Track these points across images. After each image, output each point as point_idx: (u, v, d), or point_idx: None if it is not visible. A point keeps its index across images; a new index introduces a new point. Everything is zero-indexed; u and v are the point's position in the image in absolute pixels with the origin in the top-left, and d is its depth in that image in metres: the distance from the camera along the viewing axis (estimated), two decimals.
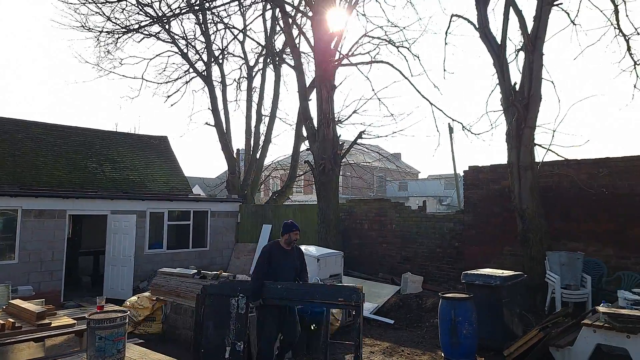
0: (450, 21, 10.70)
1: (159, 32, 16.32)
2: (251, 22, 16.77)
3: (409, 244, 11.48)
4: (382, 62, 12.57)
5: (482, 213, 10.33)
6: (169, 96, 17.05)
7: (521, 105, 8.78)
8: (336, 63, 11.79)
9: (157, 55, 16.78)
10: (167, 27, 15.69)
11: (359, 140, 12.80)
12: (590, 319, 5.50)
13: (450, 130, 19.60)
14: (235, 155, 17.10)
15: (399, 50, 12.90)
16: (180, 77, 17.07)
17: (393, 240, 11.79)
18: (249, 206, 14.86)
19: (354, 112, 13.98)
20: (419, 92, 12.45)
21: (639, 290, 6.31)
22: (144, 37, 15.61)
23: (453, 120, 11.57)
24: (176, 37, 16.24)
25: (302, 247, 8.94)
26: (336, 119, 13.44)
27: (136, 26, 14.97)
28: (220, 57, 17.64)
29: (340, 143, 12.25)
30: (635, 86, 11.03)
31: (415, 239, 11.34)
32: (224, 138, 16.28)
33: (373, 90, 14.47)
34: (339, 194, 11.95)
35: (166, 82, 16.89)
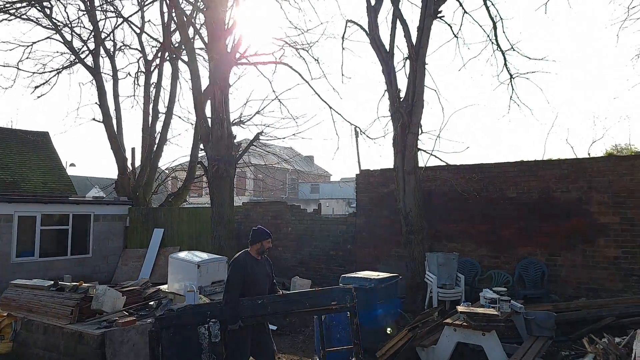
0: (345, 26, 10.86)
1: (39, 18, 14.70)
2: (147, 8, 15.52)
3: (304, 247, 11.42)
4: (280, 63, 12.41)
5: (372, 216, 10.57)
6: (36, 87, 15.28)
7: (405, 112, 9.09)
8: (232, 61, 11.39)
9: (34, 43, 14.98)
10: (47, 11, 14.14)
11: (272, 142, 12.54)
12: (452, 318, 5.73)
13: (357, 134, 20.12)
14: (130, 155, 15.92)
15: (298, 53, 12.84)
16: (64, 68, 15.48)
17: (289, 243, 11.65)
18: (140, 209, 13.86)
19: (257, 112, 13.68)
20: (319, 95, 12.45)
21: (500, 289, 6.73)
22: (15, 18, 13.87)
23: (351, 124, 11.64)
24: (58, 23, 14.70)
25: (182, 254, 8.49)
26: (240, 120, 13.07)
27: (7, 6, 13.27)
28: (112, 48, 16.37)
29: (237, 144, 11.86)
30: (511, 98, 12.06)
31: (310, 241, 11.31)
32: (114, 135, 15.05)
33: (274, 91, 14.28)
34: (234, 197, 11.54)
35: (42, 73, 15.17)
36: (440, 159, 9.79)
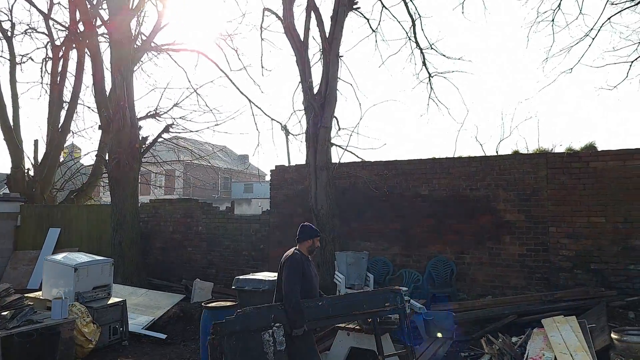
0: (263, 15, 10.29)
1: None
2: None
3: (215, 247, 10.68)
4: (195, 51, 11.61)
5: (286, 214, 10.06)
6: None
7: (318, 105, 8.67)
8: (136, 45, 10.44)
9: None
10: None
11: (203, 138, 11.62)
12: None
13: (287, 131, 19.57)
14: (33, 148, 14.29)
15: (217, 43, 12.12)
16: None
17: (199, 243, 10.87)
18: (34, 207, 12.41)
19: (175, 105, 12.75)
20: (237, 88, 11.77)
21: (403, 288, 6.44)
22: None
23: (272, 119, 11.03)
24: None
25: (59, 256, 7.48)
26: (156, 112, 12.06)
27: None
28: (10, 29, 14.71)
29: (144, 136, 10.89)
30: (430, 97, 12.05)
31: (222, 241, 10.60)
32: (8, 125, 13.42)
33: (189, 81, 13.28)
34: (138, 193, 10.56)
35: None
36: (357, 155, 9.51)
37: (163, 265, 11.11)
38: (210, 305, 5.52)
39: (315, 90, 9.08)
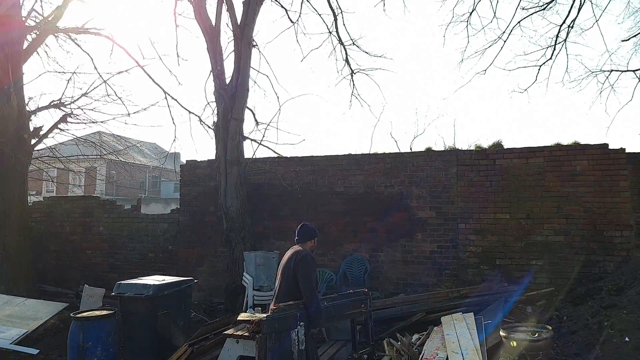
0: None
1: None
2: None
3: (118, 250, 9.79)
4: (99, 34, 10.57)
5: (197, 212, 9.42)
6: None
7: (228, 95, 8.14)
8: (28, 24, 9.31)
9: None
10: None
11: (130, 135, 10.48)
12: (235, 328, 4.86)
13: (203, 125, 18.71)
14: None
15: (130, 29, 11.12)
16: None
17: (100, 245, 9.92)
18: None
19: (84, 94, 11.56)
20: (151, 78, 10.83)
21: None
22: None
23: (190, 112, 10.26)
24: None
25: None
26: (60, 102, 10.83)
27: None
28: None
29: (38, 126, 9.76)
30: (352, 94, 11.91)
31: (126, 243, 9.74)
32: None
33: (96, 68, 12.01)
34: (27, 189, 9.42)
35: None
36: (273, 150, 9.11)
37: (58, 270, 10.02)
38: (79, 315, 4.83)
39: (228, 81, 8.55)
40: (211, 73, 8.64)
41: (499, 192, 7.84)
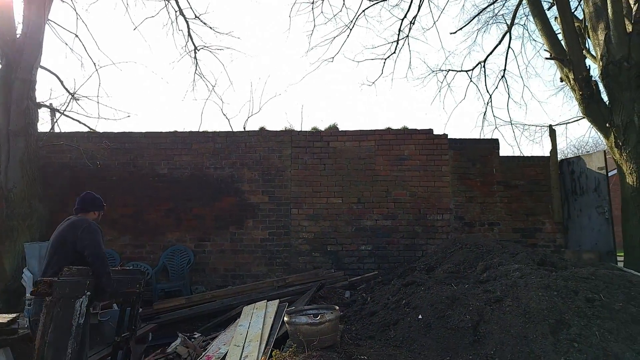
0: None
1: None
2: None
3: None
4: None
5: None
6: None
7: (12, 49, 6.51)
8: None
9: None
10: None
11: None
12: None
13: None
14: None
15: None
16: None
17: None
18: None
19: None
20: None
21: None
22: None
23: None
24: None
25: None
26: None
27: None
28: None
29: None
30: (195, 72, 10.83)
31: None
32: None
33: None
34: None
35: None
36: (84, 124, 7.66)
37: None
38: None
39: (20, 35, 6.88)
40: None
41: (332, 175, 7.54)
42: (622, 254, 6.61)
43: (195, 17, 10.25)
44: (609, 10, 6.41)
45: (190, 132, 7.73)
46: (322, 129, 7.84)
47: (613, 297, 3.73)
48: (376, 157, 7.56)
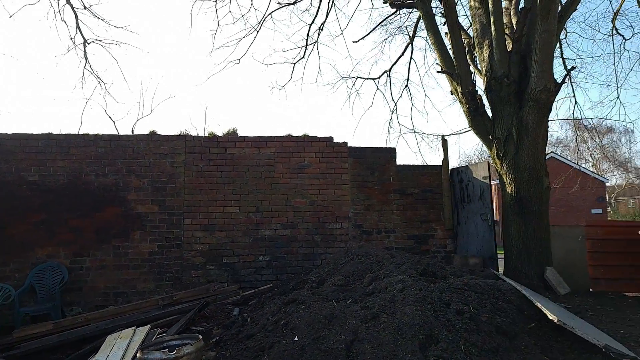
0: None
1: None
2: None
3: None
4: None
5: None
6: None
7: None
8: None
9: None
10: None
11: None
12: None
13: None
14: None
15: None
16: None
17: None
18: None
19: None
20: None
21: None
22: None
23: None
24: None
25: None
26: None
27: None
28: None
29: None
30: (85, 67, 9.88)
31: None
32: None
33: None
34: None
35: None
36: None
37: None
38: None
39: None
40: None
41: (230, 183, 7.19)
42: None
43: (85, 7, 9.36)
44: (492, 28, 6.79)
45: (68, 135, 6.92)
46: (220, 134, 7.45)
47: (482, 307, 3.83)
48: (276, 165, 7.34)
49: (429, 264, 5.02)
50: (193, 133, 7.56)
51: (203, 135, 7.40)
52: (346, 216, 7.42)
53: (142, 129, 11.98)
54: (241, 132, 7.60)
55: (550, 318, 3.36)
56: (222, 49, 12.35)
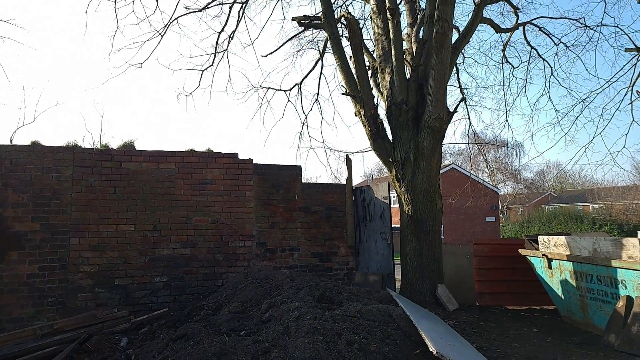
0: None
1: None
2: None
3: None
4: None
5: None
6: None
7: None
8: None
9: None
10: None
11: None
12: None
13: None
14: None
15: None
16: None
17: None
18: None
19: None
20: None
21: None
22: None
23: None
24: None
25: None
26: None
27: None
28: None
29: None
30: None
31: None
32: None
33: None
34: None
35: None
36: None
37: None
38: None
39: None
40: None
41: (124, 200, 6.74)
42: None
43: None
44: (393, 56, 7.14)
45: None
46: (115, 147, 6.96)
47: (372, 336, 3.96)
48: (177, 181, 7.03)
49: (327, 289, 5.11)
50: (87, 145, 6.98)
51: (97, 147, 6.86)
52: (250, 234, 7.32)
53: (24, 139, 10.81)
54: (142, 145, 7.18)
55: (431, 350, 3.58)
56: (123, 52, 11.59)
